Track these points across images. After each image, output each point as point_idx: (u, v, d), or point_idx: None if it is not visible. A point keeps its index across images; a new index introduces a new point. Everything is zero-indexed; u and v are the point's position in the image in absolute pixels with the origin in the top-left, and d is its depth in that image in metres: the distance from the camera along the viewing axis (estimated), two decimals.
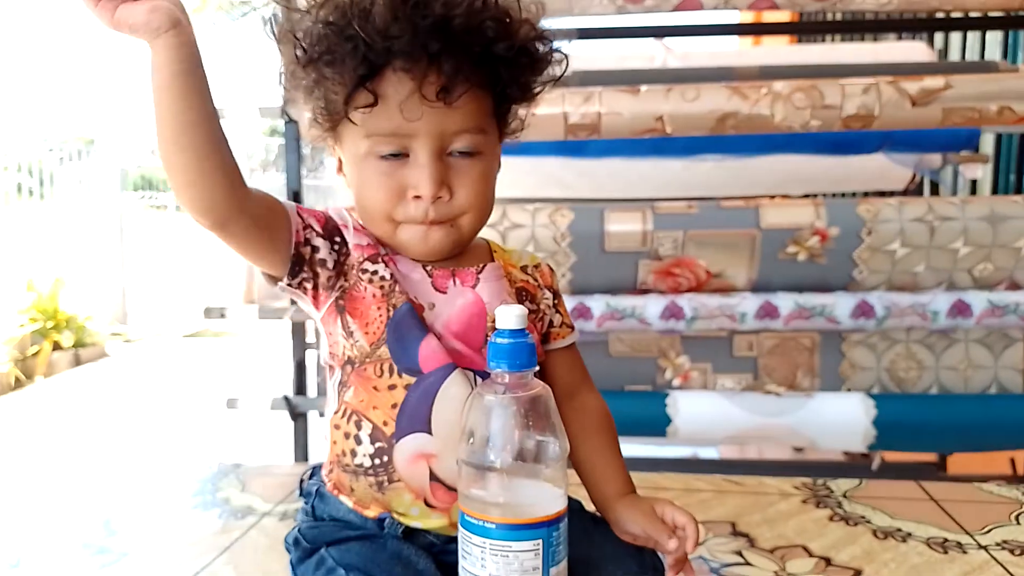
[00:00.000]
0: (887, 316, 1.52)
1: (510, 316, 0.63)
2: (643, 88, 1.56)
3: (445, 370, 0.70)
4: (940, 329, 1.56)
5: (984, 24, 2.24)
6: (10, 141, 5.22)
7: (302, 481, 0.79)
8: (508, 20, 0.69)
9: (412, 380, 0.70)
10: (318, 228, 0.70)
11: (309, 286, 0.70)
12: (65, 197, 5.57)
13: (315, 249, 0.70)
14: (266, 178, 8.30)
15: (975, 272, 1.54)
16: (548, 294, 0.80)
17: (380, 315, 0.70)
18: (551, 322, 0.79)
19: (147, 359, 5.24)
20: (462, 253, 0.75)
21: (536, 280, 0.80)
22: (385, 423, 0.70)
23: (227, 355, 5.20)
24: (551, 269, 0.83)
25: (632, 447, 1.50)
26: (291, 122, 1.75)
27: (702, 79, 1.61)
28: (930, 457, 1.84)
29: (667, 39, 2.36)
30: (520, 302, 0.76)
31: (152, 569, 0.87)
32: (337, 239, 0.71)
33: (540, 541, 0.61)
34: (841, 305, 1.53)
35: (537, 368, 0.64)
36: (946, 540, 0.92)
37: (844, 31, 3.30)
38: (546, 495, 0.62)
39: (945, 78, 1.52)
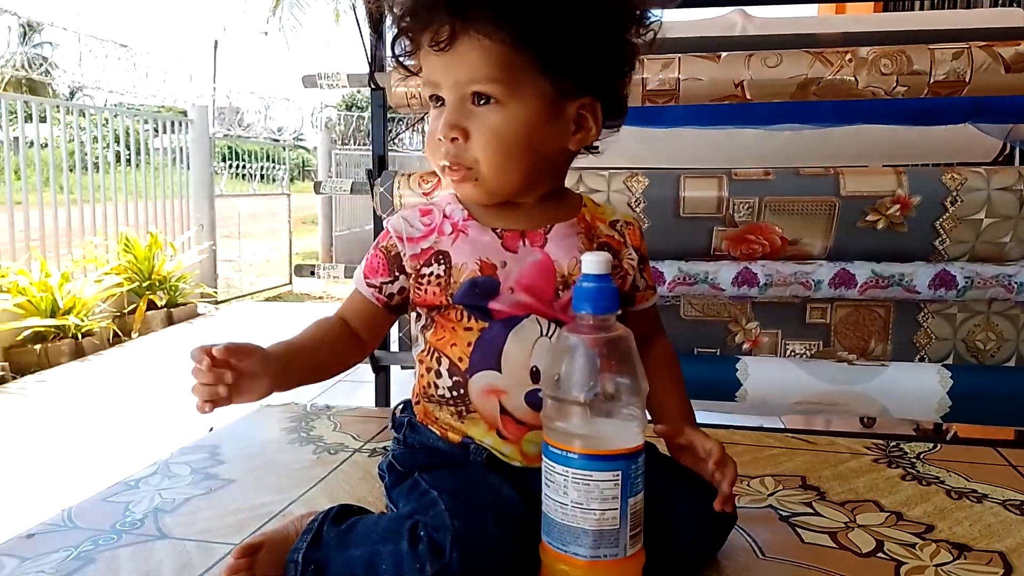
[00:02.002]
0: (969, 287, 1.50)
1: (594, 262, 0.68)
2: (723, 54, 1.57)
3: (515, 318, 0.76)
4: (1023, 301, 1.53)
5: None
6: (109, 114, 5.50)
7: (394, 414, 0.86)
8: None
9: (486, 324, 0.76)
10: (387, 278, 0.81)
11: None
12: (159, 166, 5.84)
13: (396, 292, 0.82)
14: (344, 151, 8.50)
15: None
16: (633, 253, 0.84)
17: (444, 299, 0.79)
18: (635, 284, 0.84)
19: (234, 318, 5.49)
20: (542, 207, 0.80)
21: (623, 237, 0.84)
22: (460, 359, 0.77)
23: (309, 314, 5.40)
24: (642, 232, 0.87)
25: (699, 415, 1.54)
26: (377, 89, 1.81)
27: (784, 46, 1.59)
28: (1006, 433, 1.81)
29: (747, 7, 2.34)
30: None
31: (254, 495, 0.96)
32: (398, 266, 0.81)
33: (619, 472, 0.66)
34: (920, 274, 1.51)
35: (619, 311, 0.69)
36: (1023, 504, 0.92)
37: None
38: (625, 430, 0.67)
39: None
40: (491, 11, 0.70)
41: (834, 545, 0.83)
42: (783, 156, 2.35)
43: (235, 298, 6.35)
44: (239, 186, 7.62)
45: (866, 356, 1.61)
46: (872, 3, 3.77)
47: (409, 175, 1.70)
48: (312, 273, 1.78)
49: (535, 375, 0.75)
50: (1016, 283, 1.49)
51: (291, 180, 8.21)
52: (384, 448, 1.11)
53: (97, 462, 2.45)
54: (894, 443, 1.14)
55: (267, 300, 6.55)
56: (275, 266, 7.64)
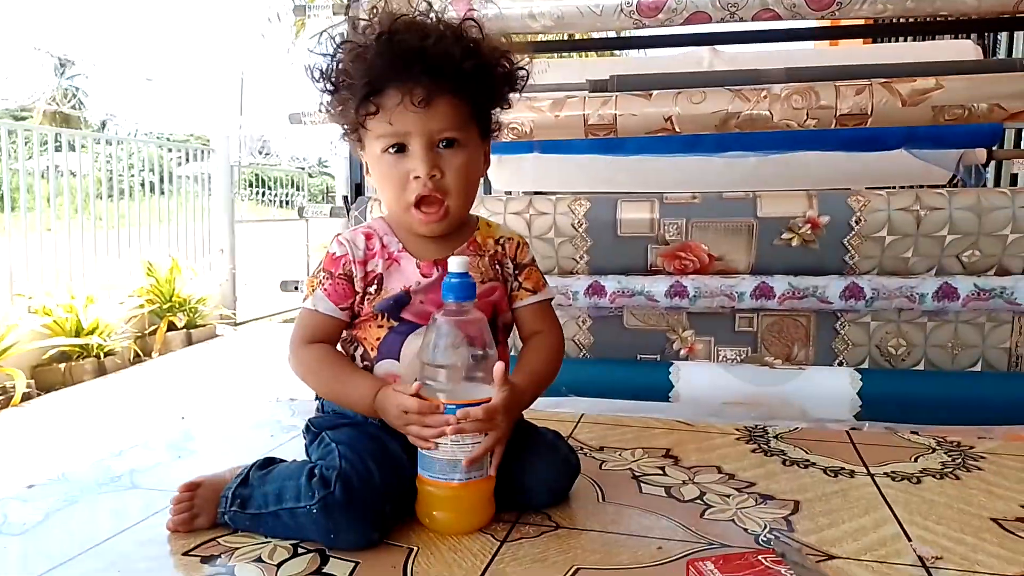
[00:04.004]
0: (876, 298, 1.66)
1: (456, 262, 0.89)
2: (655, 93, 1.76)
3: (418, 324, 0.97)
4: (929, 311, 1.69)
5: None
6: (137, 142, 5.83)
7: None
8: (474, 46, 0.94)
9: (395, 324, 0.98)
10: (351, 299, 0.99)
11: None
12: (184, 193, 6.15)
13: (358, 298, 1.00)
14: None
15: (963, 258, 1.66)
16: (509, 263, 1.05)
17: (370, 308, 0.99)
18: (512, 286, 1.04)
19: (252, 339, 5.73)
20: (449, 239, 1.01)
21: (504, 249, 1.05)
22: (372, 348, 0.99)
23: None
24: (520, 244, 1.07)
25: (639, 414, 1.70)
26: None
27: (731, 83, 1.77)
28: None
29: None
30: (490, 266, 1.01)
31: (214, 462, 1.16)
32: (353, 286, 0.99)
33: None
34: (832, 287, 1.68)
35: (475, 300, 0.89)
36: (841, 469, 1.09)
37: (909, 33, 3.35)
38: (479, 387, 0.89)
39: (937, 79, 1.65)
40: (454, 78, 0.93)
41: (665, 495, 1.01)
42: (742, 181, 2.53)
43: (253, 320, 6.61)
44: (262, 211, 7.93)
45: (790, 361, 1.78)
46: (861, 39, 3.93)
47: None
48: (296, 288, 1.99)
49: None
50: (918, 294, 1.65)
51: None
52: None
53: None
54: (761, 424, 1.32)
55: (284, 322, 6.80)
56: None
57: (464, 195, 0.98)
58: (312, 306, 0.98)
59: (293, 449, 1.22)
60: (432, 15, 0.95)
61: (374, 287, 0.98)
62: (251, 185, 7.59)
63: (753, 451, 1.18)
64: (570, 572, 0.82)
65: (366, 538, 0.87)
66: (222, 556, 0.87)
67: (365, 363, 0.99)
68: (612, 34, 2.75)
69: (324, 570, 0.83)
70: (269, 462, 0.97)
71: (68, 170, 5.16)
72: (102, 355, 4.47)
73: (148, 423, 3.24)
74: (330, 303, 0.98)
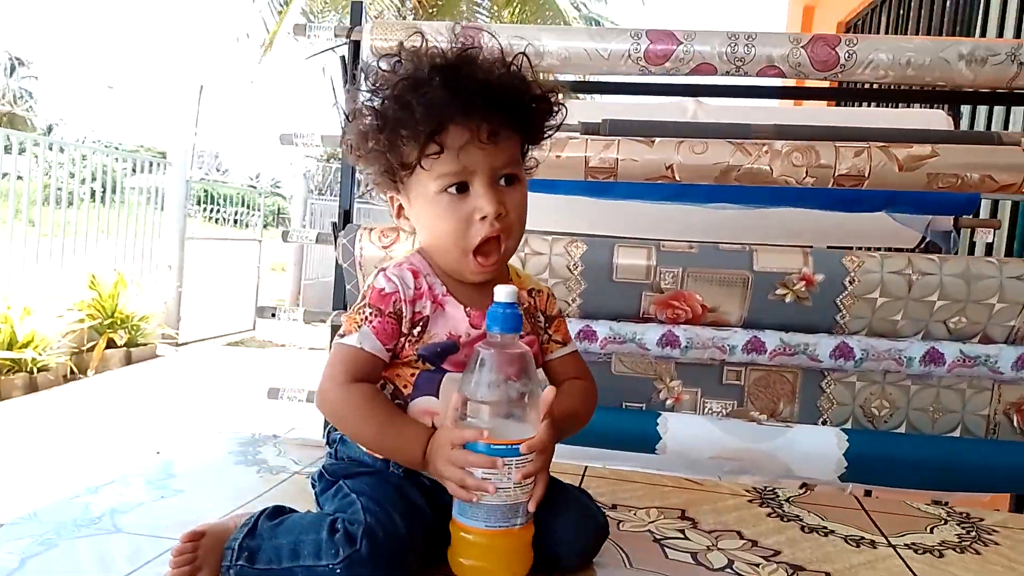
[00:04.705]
0: (865, 359, 1.67)
1: (504, 292, 0.85)
2: (656, 140, 1.76)
3: (457, 372, 0.91)
4: (914, 374, 1.70)
5: (997, 100, 2.40)
6: (86, 149, 5.62)
7: (329, 432, 0.99)
8: (531, 81, 0.91)
9: (431, 367, 0.92)
10: (397, 339, 0.92)
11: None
12: (132, 205, 5.95)
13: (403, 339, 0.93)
14: (321, 201, 8.68)
15: (950, 324, 1.69)
16: (541, 317, 1.01)
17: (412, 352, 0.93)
18: (543, 339, 1.01)
19: (194, 361, 5.52)
20: (490, 285, 0.96)
21: (535, 301, 1.01)
22: (405, 386, 0.92)
23: (268, 361, 5.46)
24: (548, 296, 1.04)
25: (626, 464, 1.67)
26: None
27: (721, 135, 1.78)
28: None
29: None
30: (527, 319, 0.97)
31: (202, 502, 1.07)
32: (402, 325, 0.92)
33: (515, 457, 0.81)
34: (823, 345, 1.68)
35: (522, 333, 0.84)
36: (862, 538, 1.07)
37: (875, 98, 3.48)
38: (523, 425, 0.83)
39: (932, 147, 1.69)
40: (516, 114, 0.91)
41: (692, 562, 0.97)
42: (730, 232, 2.55)
43: (196, 341, 6.38)
44: (211, 229, 7.72)
45: (775, 416, 1.77)
46: (825, 101, 4.06)
47: (371, 229, 1.85)
48: (273, 315, 1.91)
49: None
50: (906, 357, 1.66)
51: (264, 226, 8.34)
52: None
53: (40, 488, 2.49)
54: (770, 488, 1.29)
55: (228, 345, 6.59)
56: (241, 311, 7.69)
57: (519, 237, 0.95)
58: (357, 344, 0.90)
59: (287, 492, 1.14)
60: (478, 49, 0.91)
61: (418, 329, 0.92)
62: (200, 202, 7.39)
63: (769, 515, 1.15)
64: None
65: None
66: None
67: (397, 401, 0.92)
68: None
69: None
70: (279, 511, 0.89)
71: (10, 173, 4.93)
72: (35, 370, 4.24)
73: (101, 447, 3.06)
74: (377, 342, 0.90)
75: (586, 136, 1.83)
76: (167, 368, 5.27)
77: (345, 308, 1.91)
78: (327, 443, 0.98)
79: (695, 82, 2.07)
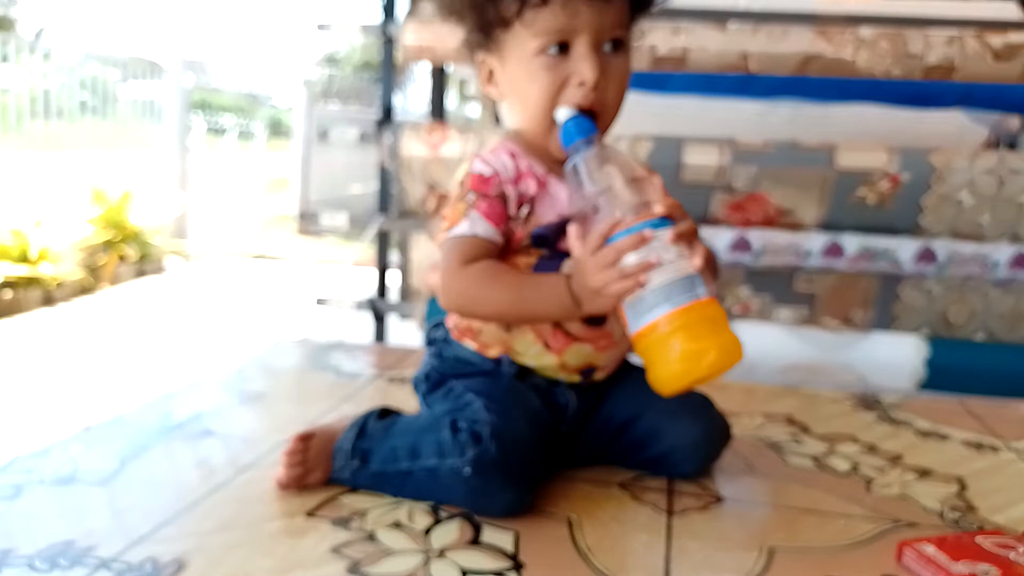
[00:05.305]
0: (949, 263, 1.59)
1: (562, 112, 0.77)
2: (731, 25, 1.63)
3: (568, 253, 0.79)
4: (998, 280, 1.62)
5: None
6: (74, 59, 5.37)
7: (428, 333, 0.91)
8: None
9: (544, 252, 0.82)
10: (506, 220, 0.82)
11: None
12: (127, 115, 5.74)
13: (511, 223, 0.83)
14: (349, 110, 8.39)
15: None
16: None
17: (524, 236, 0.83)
18: None
19: (204, 274, 5.45)
20: None
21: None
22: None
23: (278, 272, 5.39)
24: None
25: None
26: (388, 41, 1.84)
27: (787, 21, 1.66)
28: None
29: None
30: None
31: (285, 407, 1.01)
32: (508, 205, 0.82)
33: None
34: (905, 249, 1.60)
35: (599, 133, 0.76)
36: (980, 443, 1.01)
37: None
38: (650, 207, 0.72)
39: None
40: None
41: (815, 467, 0.92)
42: (783, 130, 2.42)
43: (206, 254, 6.29)
44: (209, 140, 7.50)
45: (848, 324, 1.70)
46: None
47: (417, 126, 1.74)
48: (315, 220, 1.81)
49: None
50: (992, 262, 1.58)
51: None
52: (401, 379, 1.16)
53: (99, 395, 2.45)
54: (869, 392, 1.23)
55: (245, 257, 6.49)
56: (249, 222, 7.56)
57: (614, 115, 0.81)
58: (468, 231, 0.79)
59: (372, 397, 1.07)
60: None
61: (526, 210, 0.82)
62: (199, 111, 7.16)
63: (878, 420, 1.09)
64: (763, 551, 0.71)
65: (521, 502, 0.75)
66: (353, 519, 0.73)
67: None
68: None
69: (483, 539, 0.70)
70: (386, 413, 0.83)
71: None
72: (50, 284, 4.17)
73: (142, 357, 3.01)
74: (489, 225, 0.79)
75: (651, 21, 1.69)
76: (182, 281, 5.20)
77: (388, 213, 1.81)
78: (428, 344, 0.90)
79: None
